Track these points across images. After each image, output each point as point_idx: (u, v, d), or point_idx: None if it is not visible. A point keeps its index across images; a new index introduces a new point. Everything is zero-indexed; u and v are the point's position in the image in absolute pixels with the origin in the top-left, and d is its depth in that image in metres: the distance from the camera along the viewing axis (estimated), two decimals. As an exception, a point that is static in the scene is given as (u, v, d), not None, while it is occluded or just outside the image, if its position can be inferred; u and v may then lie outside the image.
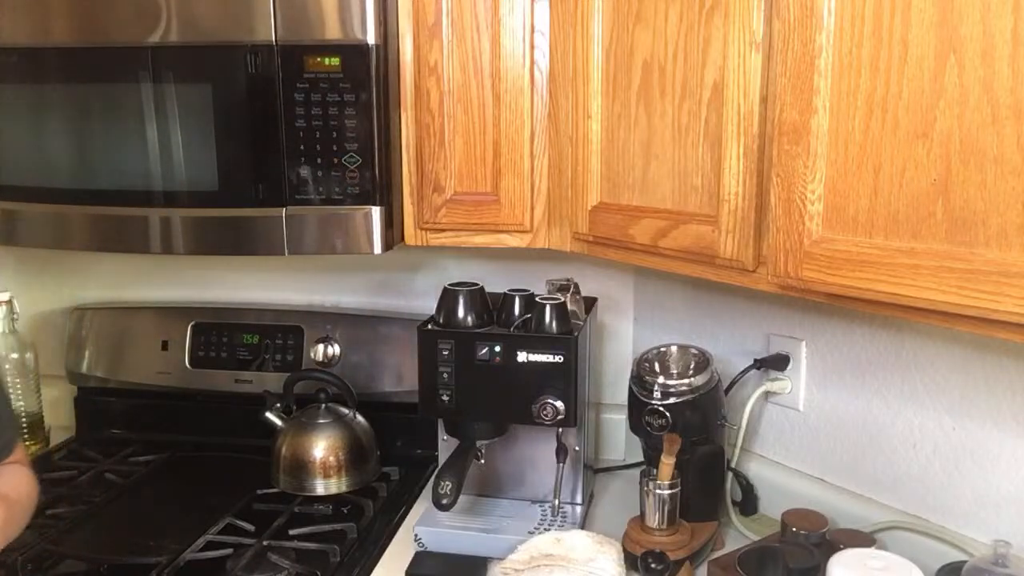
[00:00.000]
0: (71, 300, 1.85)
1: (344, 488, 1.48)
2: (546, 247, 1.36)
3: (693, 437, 1.30)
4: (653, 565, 1.17)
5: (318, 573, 1.24)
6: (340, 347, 1.66)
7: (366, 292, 1.79)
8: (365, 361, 1.66)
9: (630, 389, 1.34)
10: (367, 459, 1.52)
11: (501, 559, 1.22)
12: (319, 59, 1.24)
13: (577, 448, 1.39)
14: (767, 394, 1.43)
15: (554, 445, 1.37)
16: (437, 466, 1.37)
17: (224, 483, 1.55)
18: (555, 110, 1.30)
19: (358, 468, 1.50)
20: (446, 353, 1.30)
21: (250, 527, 1.37)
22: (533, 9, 1.28)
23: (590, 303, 1.47)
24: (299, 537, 1.35)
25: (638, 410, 1.31)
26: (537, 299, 1.30)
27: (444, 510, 1.26)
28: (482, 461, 1.37)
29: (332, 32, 1.23)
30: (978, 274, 0.76)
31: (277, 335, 1.70)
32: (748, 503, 1.44)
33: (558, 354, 1.26)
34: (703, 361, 1.34)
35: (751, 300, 1.45)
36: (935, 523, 1.20)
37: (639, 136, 1.16)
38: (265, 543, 1.31)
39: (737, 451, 1.45)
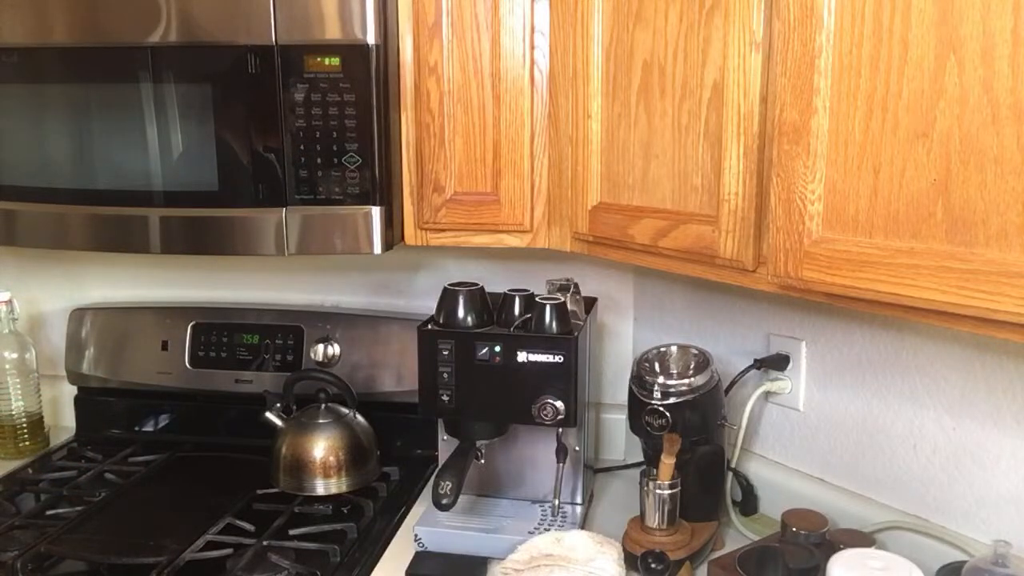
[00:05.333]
0: (71, 300, 1.85)
1: (344, 488, 1.48)
2: (546, 247, 1.36)
3: (693, 437, 1.30)
4: (653, 565, 1.17)
5: (318, 573, 1.24)
6: (340, 347, 1.66)
7: (366, 292, 1.79)
8: (365, 361, 1.66)
9: (630, 389, 1.34)
10: (367, 459, 1.52)
11: (501, 559, 1.22)
12: (319, 59, 1.24)
13: (577, 448, 1.39)
14: (767, 394, 1.43)
15: (554, 445, 1.37)
16: (437, 466, 1.37)
17: (224, 483, 1.55)
18: (555, 110, 1.30)
19: (358, 468, 1.50)
20: (446, 353, 1.30)
21: (250, 527, 1.37)
22: (533, 9, 1.28)
23: (590, 303, 1.47)
24: (299, 537, 1.35)
25: (638, 410, 1.31)
26: (537, 299, 1.30)
27: (444, 510, 1.26)
28: (482, 461, 1.37)
29: (332, 32, 1.23)
30: (978, 274, 0.76)
31: (277, 335, 1.70)
32: (748, 503, 1.44)
33: (558, 354, 1.26)
34: (703, 361, 1.34)
35: (751, 300, 1.45)
36: (935, 523, 1.20)
37: (639, 136, 1.16)
38: (265, 543, 1.31)
39: (737, 451, 1.45)
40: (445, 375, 1.30)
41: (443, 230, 1.37)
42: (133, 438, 1.76)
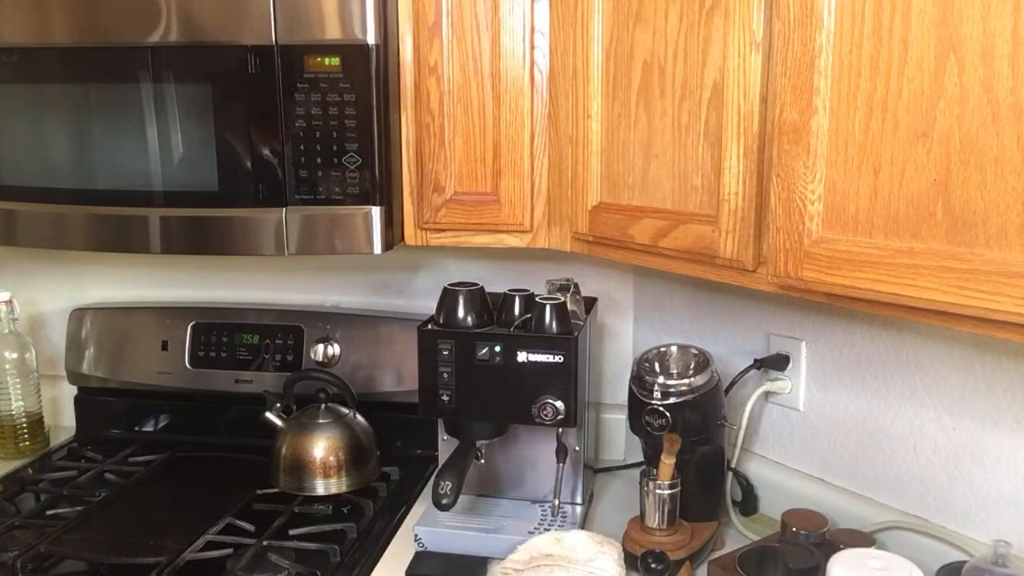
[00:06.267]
0: (71, 300, 1.85)
1: (344, 488, 1.48)
2: (546, 247, 1.36)
3: (693, 437, 1.30)
4: (653, 565, 1.17)
5: (318, 573, 1.24)
6: (340, 347, 1.66)
7: (366, 292, 1.79)
8: (365, 361, 1.66)
9: (630, 389, 1.34)
10: (367, 459, 1.52)
11: (501, 559, 1.22)
12: (319, 59, 1.24)
13: (577, 448, 1.39)
14: (767, 394, 1.43)
15: (554, 445, 1.37)
16: (437, 466, 1.37)
17: (224, 483, 1.55)
18: (555, 110, 1.30)
19: (358, 468, 1.50)
20: (446, 353, 1.30)
21: (250, 527, 1.37)
22: (533, 9, 1.28)
23: (590, 303, 1.47)
24: (299, 537, 1.35)
25: (638, 410, 1.31)
26: (537, 299, 1.30)
27: (444, 510, 1.26)
28: (482, 461, 1.37)
29: (332, 32, 1.23)
30: (978, 274, 0.76)
31: (277, 335, 1.70)
32: (748, 503, 1.44)
33: (558, 354, 1.26)
34: (703, 361, 1.34)
35: (751, 300, 1.45)
36: (935, 523, 1.20)
37: (639, 136, 1.16)
38: (265, 543, 1.31)
39: (737, 451, 1.45)
40: (445, 375, 1.30)
41: (443, 230, 1.37)
42: (133, 438, 1.76)
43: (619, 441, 1.69)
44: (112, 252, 1.39)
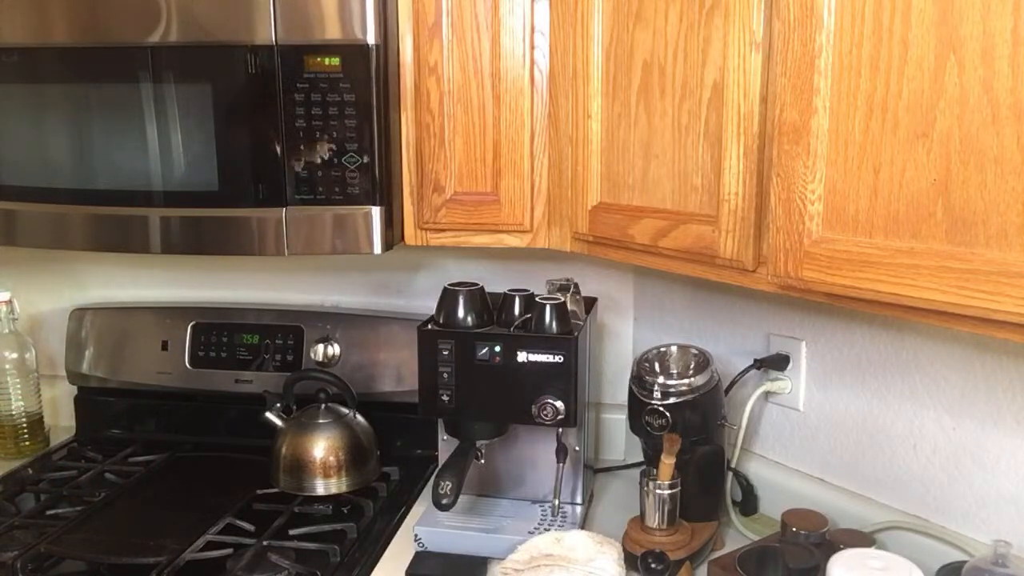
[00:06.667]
0: (71, 300, 1.85)
1: (344, 488, 1.48)
2: (546, 247, 1.36)
3: (693, 437, 1.30)
4: (653, 565, 1.17)
5: (318, 573, 1.24)
6: (340, 347, 1.66)
7: (366, 292, 1.79)
8: (365, 361, 1.66)
9: (630, 389, 1.34)
10: (367, 459, 1.52)
11: (501, 559, 1.22)
12: (319, 59, 1.24)
13: (577, 448, 1.39)
14: (767, 394, 1.43)
15: (554, 445, 1.37)
16: (437, 466, 1.37)
17: (224, 483, 1.55)
18: (555, 110, 1.30)
19: (358, 468, 1.50)
20: (446, 353, 1.30)
21: (250, 527, 1.37)
22: (533, 9, 1.28)
23: (590, 303, 1.47)
24: (299, 537, 1.35)
25: (638, 410, 1.31)
26: (537, 299, 1.30)
27: (444, 510, 1.26)
28: (482, 461, 1.37)
29: (332, 32, 1.23)
30: (978, 274, 0.76)
31: (277, 335, 1.70)
32: (748, 503, 1.44)
33: (558, 354, 1.26)
34: (703, 361, 1.34)
35: (751, 300, 1.45)
36: (935, 523, 1.20)
37: (639, 136, 1.16)
38: (265, 543, 1.31)
39: (737, 451, 1.45)
40: (445, 375, 1.30)
41: (443, 230, 1.37)
42: (133, 438, 1.76)
43: (619, 441, 1.69)
44: (112, 252, 1.39)
